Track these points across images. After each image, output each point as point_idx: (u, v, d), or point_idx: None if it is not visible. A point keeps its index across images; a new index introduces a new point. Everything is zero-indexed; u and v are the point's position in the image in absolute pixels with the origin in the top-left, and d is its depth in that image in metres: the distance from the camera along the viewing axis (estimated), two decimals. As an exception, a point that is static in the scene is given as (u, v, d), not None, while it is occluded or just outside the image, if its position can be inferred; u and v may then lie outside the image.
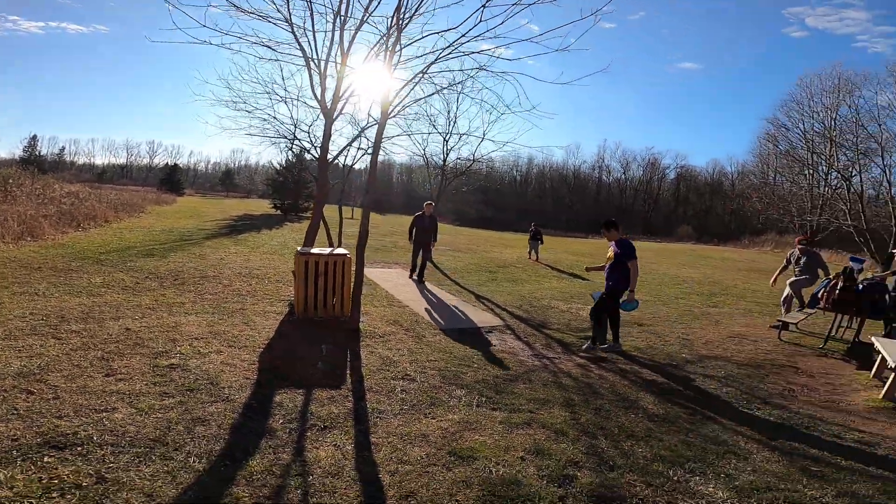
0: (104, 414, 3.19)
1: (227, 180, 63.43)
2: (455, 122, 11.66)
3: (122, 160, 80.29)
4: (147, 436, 2.98)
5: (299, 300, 6.05)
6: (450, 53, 5.27)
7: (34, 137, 66.39)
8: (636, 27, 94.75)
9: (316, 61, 6.34)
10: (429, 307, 7.35)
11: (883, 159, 24.90)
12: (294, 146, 7.29)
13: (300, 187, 23.49)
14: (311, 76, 6.37)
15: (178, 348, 4.55)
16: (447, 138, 11.84)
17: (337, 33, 6.12)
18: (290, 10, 6.08)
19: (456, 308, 7.51)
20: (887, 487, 3.08)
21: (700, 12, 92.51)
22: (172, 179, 46.96)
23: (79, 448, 2.76)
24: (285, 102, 7.16)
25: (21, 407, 3.15)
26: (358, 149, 7.72)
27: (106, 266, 7.81)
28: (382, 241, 15.05)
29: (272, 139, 7.63)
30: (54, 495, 2.35)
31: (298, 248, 6.24)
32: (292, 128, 7.30)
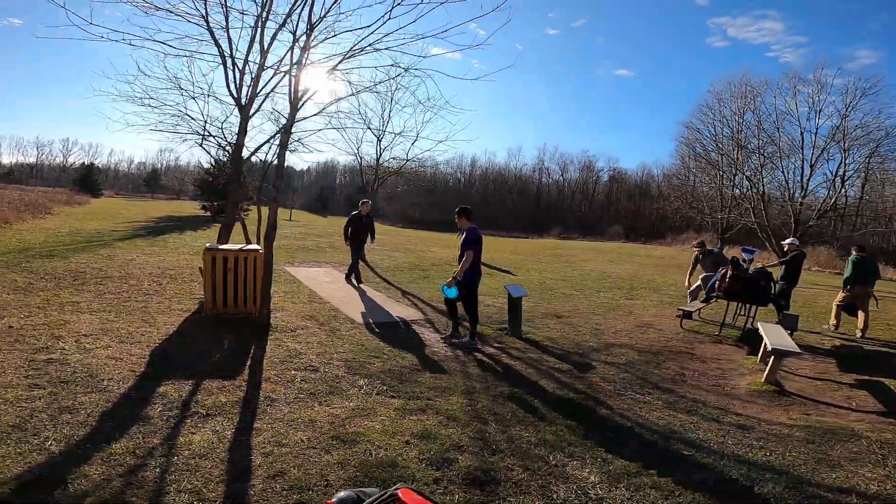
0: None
1: (153, 181, 58.99)
2: (389, 121, 11.67)
3: (31, 159, 71.60)
4: (7, 423, 2.87)
5: (208, 297, 5.85)
6: (362, 50, 5.33)
7: (-73, 132, 58.77)
8: (580, 34, 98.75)
9: (232, 59, 6.20)
10: (351, 303, 7.31)
11: (782, 162, 27.39)
12: (205, 143, 6.90)
13: (232, 187, 22.40)
14: (226, 73, 6.22)
15: (62, 344, 4.29)
16: (380, 137, 11.82)
17: (258, 32, 6.04)
18: (208, 9, 5.93)
19: (379, 304, 7.52)
20: (752, 473, 3.13)
21: (634, 22, 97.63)
22: (88, 180, 43.03)
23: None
24: (194, 98, 6.88)
25: None
26: (278, 146, 7.56)
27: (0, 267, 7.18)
28: (318, 242, 14.79)
29: (182, 136, 7.25)
30: None
31: (207, 245, 6.03)
32: (204, 124, 6.97)
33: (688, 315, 7.85)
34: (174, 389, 3.62)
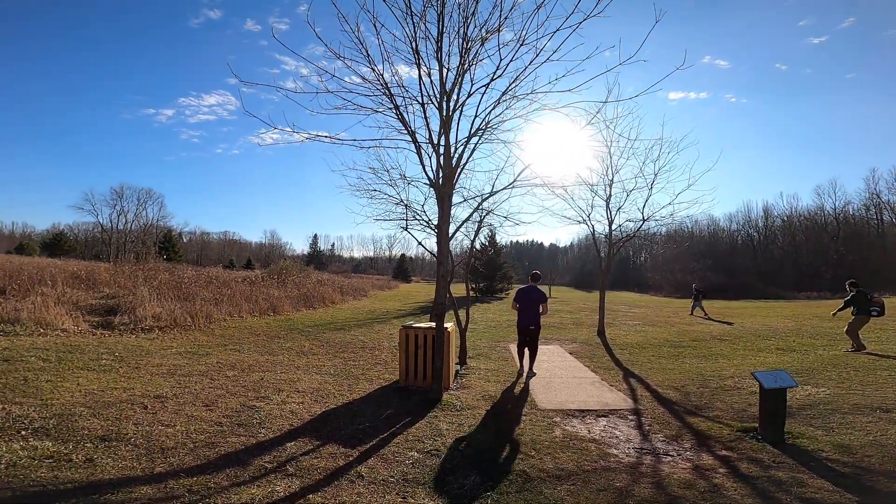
0: (168, 426, 4.16)
1: (446, 267, 71.51)
2: (614, 179, 10.02)
3: (370, 253, 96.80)
4: (162, 443, 3.70)
5: (401, 370, 6.29)
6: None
7: (315, 236, 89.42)
8: (856, 34, 74.75)
9: (426, 147, 7.01)
10: (549, 386, 6.41)
11: None
12: (409, 226, 7.59)
13: (494, 269, 25.50)
14: (422, 161, 7.01)
15: (275, 396, 5.37)
16: (608, 200, 10.57)
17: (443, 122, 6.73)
18: (405, 108, 7.03)
19: (586, 387, 6.35)
20: None
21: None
22: (402, 268, 56.23)
23: (125, 444, 3.65)
24: (390, 184, 7.51)
25: (132, 416, 4.41)
26: (478, 223, 7.90)
27: (304, 335, 9.84)
28: (564, 318, 14.19)
29: (394, 222, 7.94)
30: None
31: (402, 324, 6.60)
32: (405, 208, 7.68)
33: None
34: (297, 446, 3.93)
